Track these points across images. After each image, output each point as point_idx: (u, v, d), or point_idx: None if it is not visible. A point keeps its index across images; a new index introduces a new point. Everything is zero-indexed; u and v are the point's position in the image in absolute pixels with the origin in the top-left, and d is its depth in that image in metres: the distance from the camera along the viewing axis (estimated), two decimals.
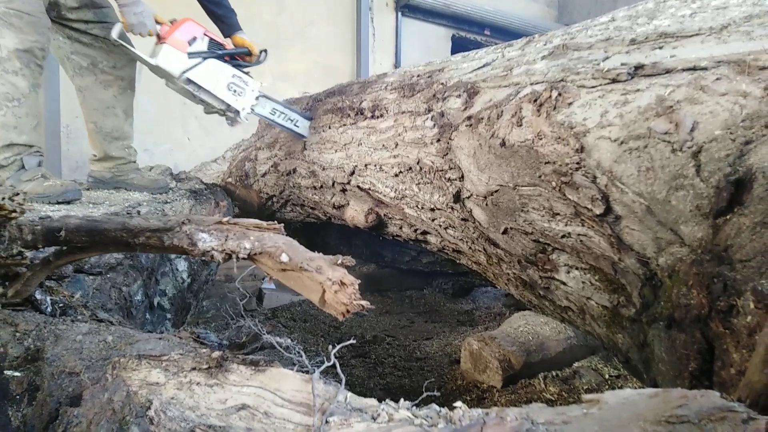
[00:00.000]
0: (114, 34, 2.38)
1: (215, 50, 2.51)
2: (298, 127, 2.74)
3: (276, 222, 0.82)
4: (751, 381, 0.63)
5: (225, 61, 2.55)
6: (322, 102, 2.82)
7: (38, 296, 0.88)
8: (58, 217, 0.83)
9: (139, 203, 2.37)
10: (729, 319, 0.81)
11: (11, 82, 2.18)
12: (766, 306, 0.67)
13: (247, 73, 2.61)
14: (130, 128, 2.89)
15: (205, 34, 2.49)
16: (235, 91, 2.54)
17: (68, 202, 2.34)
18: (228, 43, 2.64)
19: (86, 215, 0.84)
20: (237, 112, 2.57)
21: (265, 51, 2.71)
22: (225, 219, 0.83)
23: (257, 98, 2.62)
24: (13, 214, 0.72)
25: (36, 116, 2.33)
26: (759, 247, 0.80)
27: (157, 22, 2.42)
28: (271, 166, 3.14)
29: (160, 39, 2.41)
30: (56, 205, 2.26)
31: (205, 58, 2.46)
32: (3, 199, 0.72)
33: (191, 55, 2.42)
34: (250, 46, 2.66)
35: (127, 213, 2.09)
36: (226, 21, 2.71)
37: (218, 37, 2.60)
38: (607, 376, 2.13)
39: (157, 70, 2.43)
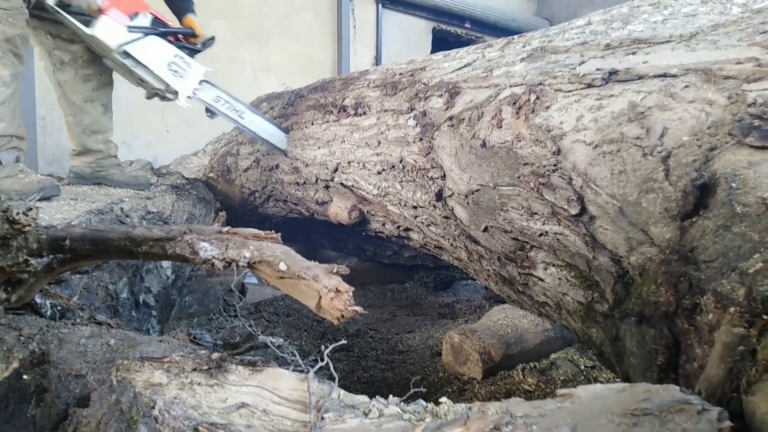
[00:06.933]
0: (50, 0, 2.28)
1: (158, 27, 2.45)
2: (243, 119, 2.69)
3: (273, 231, 0.86)
4: (709, 375, 0.68)
5: (169, 42, 2.49)
6: (304, 98, 2.83)
7: (38, 300, 0.91)
8: (62, 227, 0.85)
9: (121, 199, 2.36)
10: (693, 316, 0.87)
11: None
12: (724, 306, 0.73)
13: (192, 57, 2.56)
14: (109, 122, 2.86)
15: (149, 11, 2.44)
16: (176, 71, 2.47)
17: (47, 199, 2.33)
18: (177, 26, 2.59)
19: (90, 225, 0.87)
20: (176, 93, 2.51)
21: (213, 37, 2.65)
22: (225, 229, 0.86)
23: (200, 83, 2.55)
24: (27, 228, 0.74)
25: (14, 103, 2.29)
26: (720, 249, 0.86)
27: None
28: (254, 162, 3.15)
29: (100, 11, 2.33)
30: (35, 202, 2.25)
31: (146, 34, 2.40)
32: (18, 213, 0.74)
33: (131, 29, 2.36)
34: (196, 27, 2.60)
35: (109, 210, 2.09)
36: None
37: (164, 17, 2.54)
38: (582, 367, 2.21)
39: (93, 40, 2.37)
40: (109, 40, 2.33)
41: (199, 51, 2.64)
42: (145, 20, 2.41)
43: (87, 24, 2.34)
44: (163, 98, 2.61)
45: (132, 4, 2.40)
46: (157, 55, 2.44)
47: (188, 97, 2.53)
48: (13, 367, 0.67)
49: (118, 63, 2.45)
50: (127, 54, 2.38)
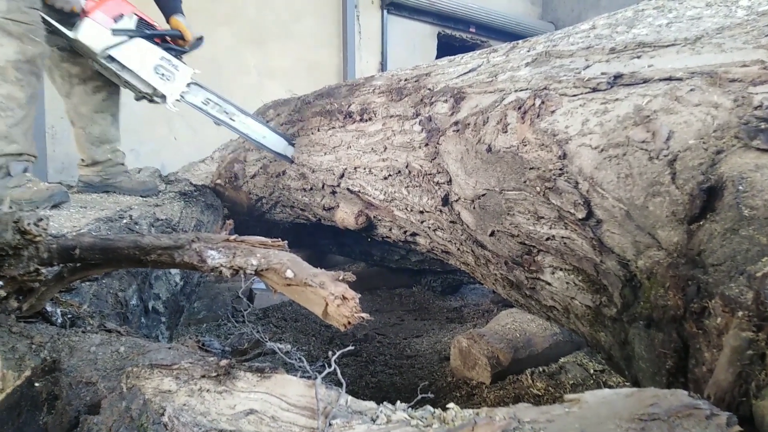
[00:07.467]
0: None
1: (143, 29, 2.39)
2: (234, 121, 2.64)
3: (280, 238, 0.87)
4: (718, 379, 0.68)
5: (156, 44, 2.43)
6: (310, 104, 2.85)
7: (48, 308, 0.92)
8: (72, 236, 0.86)
9: (130, 207, 2.38)
10: (702, 320, 0.87)
11: (7, 92, 2.14)
12: (732, 309, 0.73)
13: (179, 59, 2.51)
14: (116, 131, 2.88)
15: (134, 13, 2.38)
16: (163, 74, 2.43)
17: (56, 206, 2.35)
18: (163, 27, 2.54)
19: (100, 234, 0.88)
20: (164, 97, 2.46)
21: (201, 38, 2.59)
22: (232, 237, 0.87)
23: (188, 85, 2.51)
24: (38, 238, 0.76)
25: (27, 123, 2.30)
26: (728, 252, 0.86)
27: None
28: (261, 168, 3.16)
29: (84, 14, 2.27)
30: (47, 211, 2.27)
31: (131, 37, 2.34)
32: (29, 224, 0.75)
33: (116, 32, 2.30)
34: (183, 29, 2.54)
35: (119, 217, 2.11)
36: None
37: (150, 18, 2.50)
38: (591, 371, 2.20)
39: (77, 44, 2.32)
40: (93, 43, 2.28)
41: (186, 52, 2.58)
42: (130, 22, 2.36)
43: (70, 26, 2.29)
44: (151, 101, 2.58)
45: (117, 6, 2.34)
46: (143, 59, 2.39)
47: (176, 100, 2.49)
48: (25, 375, 0.68)
49: (103, 67, 2.41)
50: (112, 58, 2.33)
